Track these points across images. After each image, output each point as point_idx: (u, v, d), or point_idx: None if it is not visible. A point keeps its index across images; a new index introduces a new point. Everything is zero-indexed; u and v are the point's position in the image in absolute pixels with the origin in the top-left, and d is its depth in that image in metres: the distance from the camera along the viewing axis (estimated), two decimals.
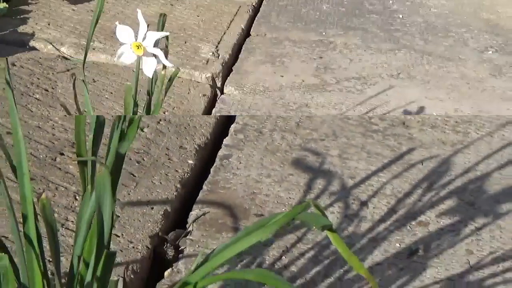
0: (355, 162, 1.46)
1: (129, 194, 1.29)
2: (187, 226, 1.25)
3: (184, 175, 1.37)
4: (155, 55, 0.80)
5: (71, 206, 1.23)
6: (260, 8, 2.31)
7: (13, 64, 1.69)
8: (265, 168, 1.42)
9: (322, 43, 2.05)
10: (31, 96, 1.57)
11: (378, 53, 2.01)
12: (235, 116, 1.61)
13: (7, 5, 1.97)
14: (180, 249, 1.19)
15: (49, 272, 0.79)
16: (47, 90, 1.60)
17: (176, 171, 1.38)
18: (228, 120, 1.62)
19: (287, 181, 1.38)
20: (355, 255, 0.66)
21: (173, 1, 2.22)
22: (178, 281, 1.07)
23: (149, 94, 0.94)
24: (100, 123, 0.80)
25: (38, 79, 1.65)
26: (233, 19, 2.14)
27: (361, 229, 1.26)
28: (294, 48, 2.00)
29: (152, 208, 1.26)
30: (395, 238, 1.25)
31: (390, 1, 2.44)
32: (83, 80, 0.92)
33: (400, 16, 2.31)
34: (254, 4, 2.31)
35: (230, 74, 1.83)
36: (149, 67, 0.81)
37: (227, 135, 1.53)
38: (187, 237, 1.21)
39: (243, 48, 1.99)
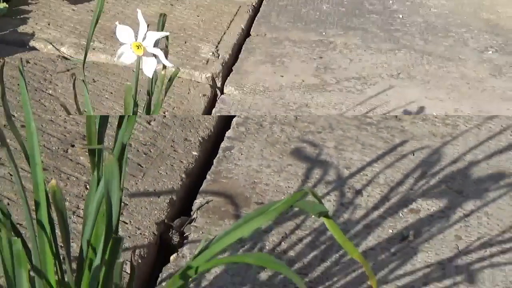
0: (350, 153, 1.46)
1: (136, 183, 1.29)
2: (192, 213, 1.25)
3: (188, 165, 1.37)
4: (155, 55, 0.78)
5: (82, 195, 1.23)
6: (260, 8, 2.25)
7: (27, 61, 1.69)
8: (265, 159, 1.41)
9: (322, 43, 1.99)
10: (44, 91, 1.57)
11: (378, 53, 1.95)
12: None
13: (7, 5, 1.91)
14: (185, 235, 1.19)
15: (60, 257, 0.79)
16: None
17: (181, 162, 1.37)
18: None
19: (286, 171, 1.38)
20: (350, 241, 0.66)
21: (173, 1, 2.16)
22: (183, 266, 1.07)
23: (149, 94, 0.93)
24: (104, 119, 0.79)
25: (51, 75, 1.64)
26: (233, 19, 2.08)
27: (356, 216, 1.26)
28: (294, 48, 1.95)
29: (159, 197, 1.26)
30: (388, 224, 1.25)
31: (390, 1, 2.37)
32: (83, 80, 0.90)
33: (400, 16, 2.25)
34: (254, 4, 2.25)
35: (230, 74, 1.77)
36: (149, 67, 0.78)
37: (230, 128, 1.53)
38: (192, 224, 1.21)
39: (243, 48, 1.94)
